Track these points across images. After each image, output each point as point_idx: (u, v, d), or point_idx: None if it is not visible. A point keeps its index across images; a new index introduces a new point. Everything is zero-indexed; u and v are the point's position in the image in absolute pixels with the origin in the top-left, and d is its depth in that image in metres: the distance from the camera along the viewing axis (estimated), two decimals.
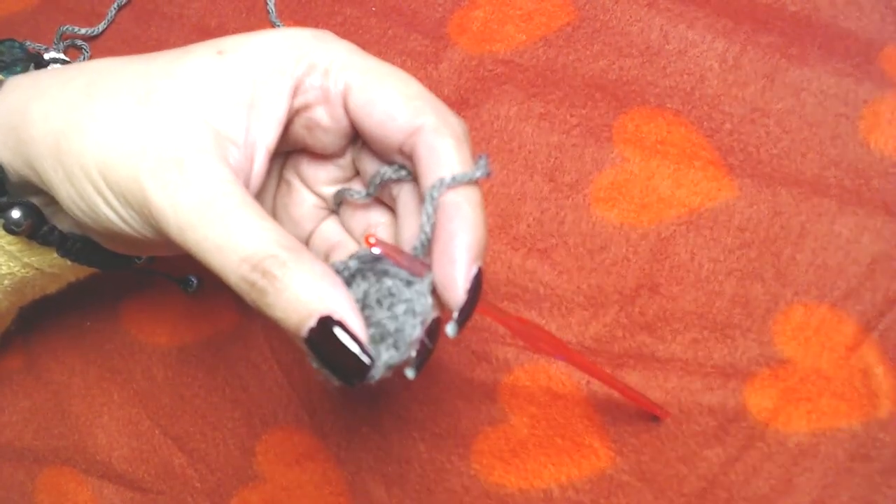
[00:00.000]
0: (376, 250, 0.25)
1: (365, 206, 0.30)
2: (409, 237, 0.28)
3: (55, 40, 0.43)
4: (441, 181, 0.25)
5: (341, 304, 0.23)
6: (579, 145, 0.40)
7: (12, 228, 0.29)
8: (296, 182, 0.31)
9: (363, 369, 0.23)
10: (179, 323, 0.40)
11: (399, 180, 0.28)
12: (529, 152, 0.40)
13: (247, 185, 0.26)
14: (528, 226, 0.39)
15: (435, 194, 0.25)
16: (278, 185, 0.31)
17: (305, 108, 0.27)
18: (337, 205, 0.31)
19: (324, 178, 0.30)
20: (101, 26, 0.45)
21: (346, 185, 0.30)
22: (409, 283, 0.25)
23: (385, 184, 0.28)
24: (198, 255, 0.24)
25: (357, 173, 0.30)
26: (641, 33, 0.41)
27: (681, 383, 0.36)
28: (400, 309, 0.25)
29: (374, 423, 0.37)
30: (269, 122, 0.27)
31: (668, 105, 0.40)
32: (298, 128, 0.28)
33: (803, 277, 0.36)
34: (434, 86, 0.41)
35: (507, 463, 0.36)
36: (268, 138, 0.27)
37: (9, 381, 0.41)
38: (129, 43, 0.45)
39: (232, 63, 0.26)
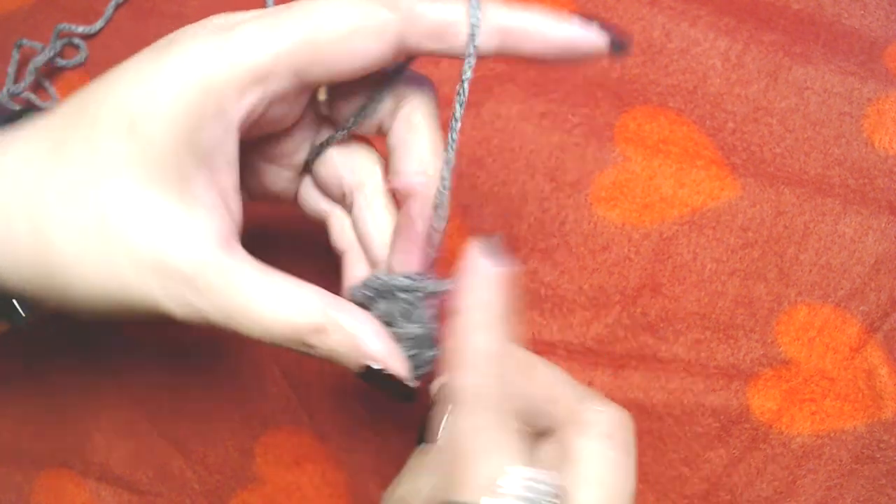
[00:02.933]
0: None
1: (346, 150, 0.29)
2: (423, 153, 0.27)
3: (52, 39, 0.43)
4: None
5: (378, 350, 0.26)
6: (581, 145, 0.39)
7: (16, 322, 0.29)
8: (264, 165, 0.29)
9: (410, 393, 0.27)
10: (178, 324, 0.40)
11: (382, 102, 0.27)
12: (531, 152, 0.39)
13: (236, 222, 0.26)
14: (530, 225, 0.38)
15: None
16: (245, 172, 0.29)
17: (255, 121, 0.25)
18: (314, 159, 0.30)
19: (289, 147, 0.29)
20: (99, 24, 0.44)
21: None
22: (419, 295, 0.27)
23: (366, 117, 0.27)
24: (245, 336, 0.25)
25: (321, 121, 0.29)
26: (643, 32, 0.41)
27: (683, 384, 0.36)
28: (424, 316, 0.28)
29: (373, 424, 0.37)
30: (225, 168, 0.25)
31: (671, 104, 0.39)
32: (250, 132, 0.26)
33: (807, 277, 0.36)
34: (434, 85, 0.41)
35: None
36: (231, 180, 0.26)
37: (6, 382, 0.40)
38: (127, 41, 0.44)
39: (149, 140, 0.23)
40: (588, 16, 0.26)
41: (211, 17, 0.26)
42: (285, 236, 0.37)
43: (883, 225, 0.36)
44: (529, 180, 0.39)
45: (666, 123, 0.39)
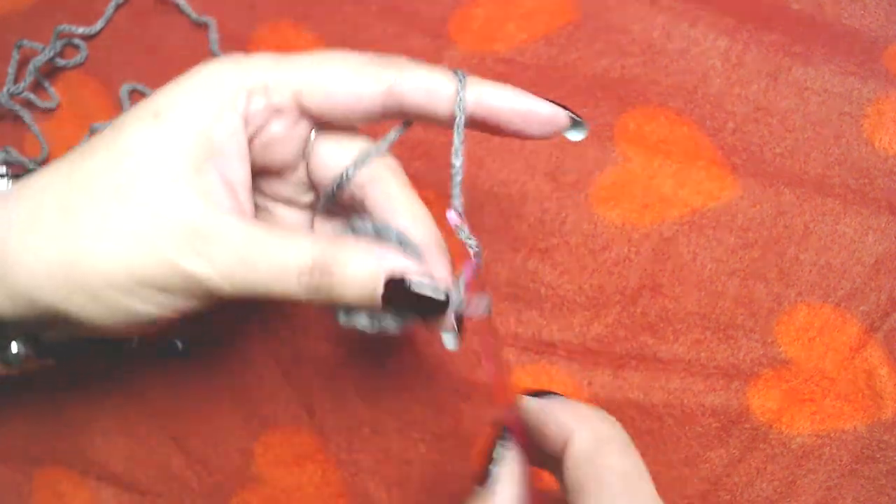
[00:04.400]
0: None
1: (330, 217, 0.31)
2: (395, 225, 0.29)
3: (52, 39, 0.43)
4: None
5: (395, 261, 0.26)
6: (581, 145, 0.39)
7: (11, 361, 0.29)
8: (264, 202, 0.31)
9: (441, 304, 0.26)
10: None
11: (361, 168, 0.29)
12: (531, 152, 0.39)
13: (248, 213, 0.28)
14: (530, 226, 0.38)
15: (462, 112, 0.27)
16: (259, 217, 0.32)
17: (259, 129, 0.28)
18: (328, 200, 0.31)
19: (287, 192, 0.31)
20: (99, 24, 0.44)
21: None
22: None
23: (347, 182, 0.29)
24: (260, 295, 0.26)
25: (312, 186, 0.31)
26: (643, 32, 0.41)
27: (683, 384, 0.35)
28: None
29: (374, 424, 0.37)
30: (237, 162, 0.27)
31: (671, 104, 0.39)
32: (256, 151, 0.29)
33: (807, 277, 0.36)
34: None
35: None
36: (242, 176, 0.28)
37: (6, 382, 0.40)
38: (127, 41, 0.44)
39: (173, 123, 0.27)
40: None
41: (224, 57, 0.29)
42: None
43: (883, 225, 0.36)
44: (529, 180, 0.39)
45: (666, 123, 0.39)
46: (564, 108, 0.29)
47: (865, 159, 0.37)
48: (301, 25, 0.43)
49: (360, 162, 0.29)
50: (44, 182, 0.27)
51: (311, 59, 0.28)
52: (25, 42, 0.43)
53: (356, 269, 0.26)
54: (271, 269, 0.26)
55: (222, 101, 0.27)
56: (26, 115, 0.42)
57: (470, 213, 0.39)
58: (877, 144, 0.38)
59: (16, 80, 0.43)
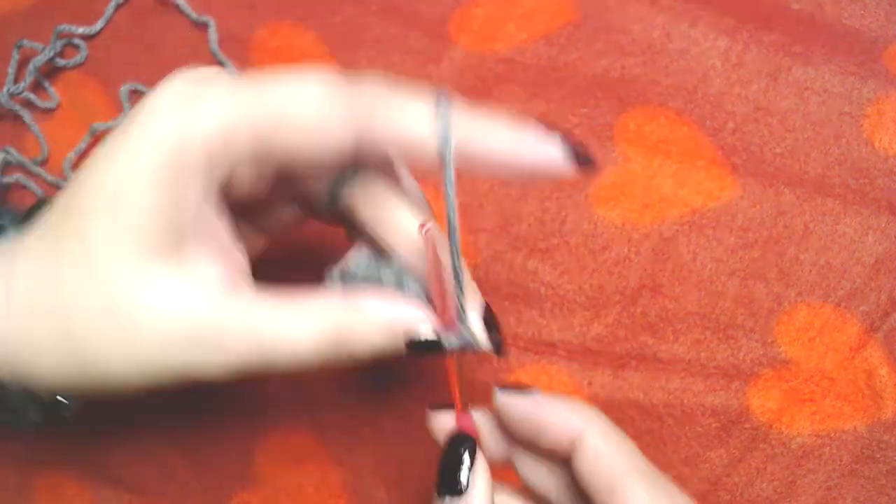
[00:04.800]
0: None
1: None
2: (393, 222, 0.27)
3: (52, 39, 0.43)
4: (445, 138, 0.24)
5: (409, 316, 0.26)
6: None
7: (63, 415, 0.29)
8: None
9: (440, 345, 0.26)
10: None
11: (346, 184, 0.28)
12: None
13: (242, 268, 0.27)
14: (530, 225, 0.38)
15: (449, 153, 0.24)
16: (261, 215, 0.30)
17: (224, 173, 0.25)
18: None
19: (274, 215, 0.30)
20: (99, 24, 0.44)
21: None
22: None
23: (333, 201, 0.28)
24: (269, 372, 0.25)
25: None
26: (643, 32, 0.41)
27: (683, 384, 0.35)
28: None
29: (374, 424, 0.37)
30: (213, 223, 0.26)
31: (671, 104, 0.39)
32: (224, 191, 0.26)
33: (807, 277, 0.36)
34: (435, 85, 0.41)
35: (507, 464, 0.35)
36: (223, 233, 0.26)
37: None
38: (127, 41, 0.44)
39: (136, 216, 0.24)
40: (552, 126, 0.25)
41: (180, 78, 0.26)
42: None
43: (883, 225, 0.36)
44: (529, 180, 0.39)
45: (666, 123, 0.39)
46: (568, 144, 0.25)
47: (865, 159, 0.37)
48: (301, 25, 0.43)
49: (342, 181, 0.28)
50: (29, 296, 0.25)
51: (269, 95, 0.24)
52: (25, 42, 0.43)
53: (373, 337, 0.26)
54: (285, 349, 0.25)
55: (181, 169, 0.24)
56: (26, 115, 0.42)
57: (470, 213, 0.39)
58: (877, 144, 0.38)
59: (16, 80, 0.43)
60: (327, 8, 0.44)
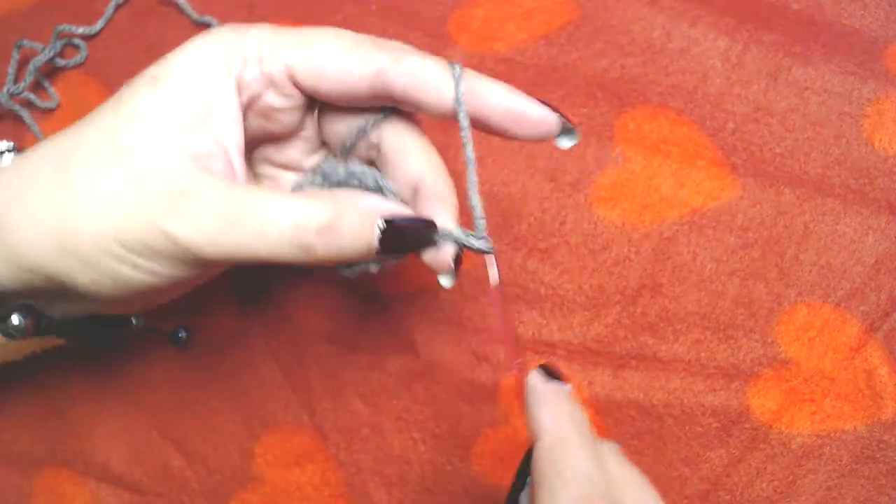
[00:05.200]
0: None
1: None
2: (410, 173, 0.29)
3: (52, 39, 0.43)
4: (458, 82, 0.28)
5: (382, 207, 0.27)
6: (581, 144, 0.39)
7: (11, 334, 0.28)
8: (271, 170, 0.32)
9: (432, 228, 0.28)
10: (178, 323, 0.40)
11: (377, 126, 0.30)
12: (530, 151, 0.39)
13: (239, 177, 0.28)
14: (530, 225, 0.38)
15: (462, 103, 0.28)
16: (256, 183, 0.32)
17: (255, 98, 0.28)
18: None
19: (295, 155, 0.32)
20: (99, 24, 0.44)
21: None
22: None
23: (363, 137, 0.30)
24: (244, 256, 0.26)
25: (322, 142, 0.32)
26: (643, 32, 0.41)
27: (683, 384, 0.35)
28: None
29: (374, 424, 0.37)
30: (229, 125, 0.27)
31: (671, 104, 0.39)
32: (255, 120, 0.29)
33: (807, 277, 0.36)
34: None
35: (507, 465, 0.35)
36: (234, 139, 0.28)
37: (6, 382, 0.40)
38: (127, 41, 0.44)
39: (170, 87, 0.27)
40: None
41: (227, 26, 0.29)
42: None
43: (883, 225, 0.36)
44: (529, 180, 0.39)
45: (666, 123, 0.39)
46: (557, 112, 0.28)
47: (865, 159, 0.37)
48: (301, 25, 0.43)
49: (376, 120, 0.29)
50: (44, 149, 0.27)
51: (307, 34, 0.28)
52: (25, 42, 0.43)
53: (350, 224, 0.26)
54: (258, 229, 0.25)
55: (217, 66, 0.27)
56: (26, 115, 0.42)
57: (469, 213, 0.39)
58: (877, 144, 0.38)
59: (16, 80, 0.43)
60: (327, 8, 0.44)
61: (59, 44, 0.43)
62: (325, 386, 0.38)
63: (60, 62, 0.44)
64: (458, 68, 0.28)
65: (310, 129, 0.31)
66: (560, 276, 0.37)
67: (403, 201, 0.29)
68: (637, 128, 0.39)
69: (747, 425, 0.35)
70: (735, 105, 0.39)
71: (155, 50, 0.44)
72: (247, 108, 0.29)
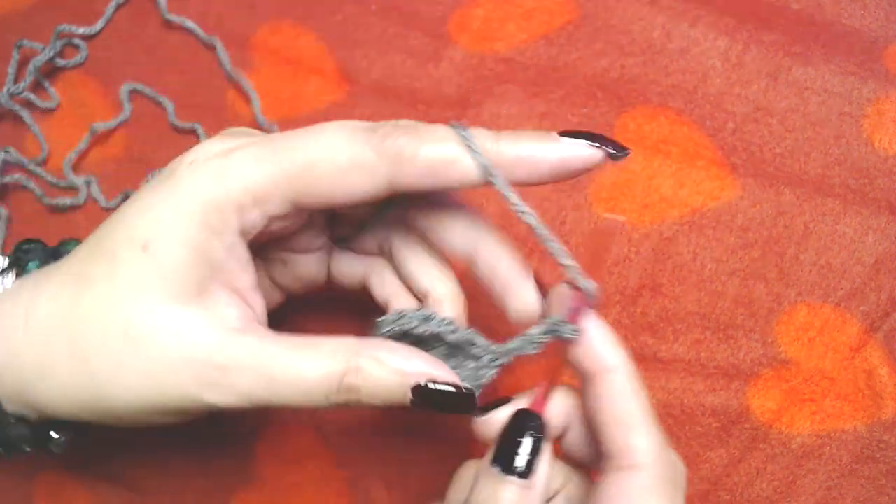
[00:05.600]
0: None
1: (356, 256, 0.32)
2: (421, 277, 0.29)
3: (52, 39, 0.43)
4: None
5: (421, 367, 0.26)
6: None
7: (52, 451, 0.30)
8: (281, 254, 0.31)
9: (469, 399, 0.26)
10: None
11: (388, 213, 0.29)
12: None
13: (259, 316, 0.28)
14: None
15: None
16: (276, 267, 0.32)
17: (259, 230, 0.27)
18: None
19: (304, 241, 0.31)
20: (99, 25, 0.44)
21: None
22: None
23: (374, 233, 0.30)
24: (278, 406, 0.26)
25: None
26: (643, 31, 0.41)
27: (683, 384, 0.35)
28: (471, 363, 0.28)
29: (375, 424, 0.37)
30: (240, 272, 0.27)
31: (671, 104, 0.39)
32: (259, 236, 0.27)
33: (807, 277, 0.36)
34: (434, 85, 0.41)
35: None
36: (248, 281, 0.27)
37: None
38: (127, 42, 0.44)
39: (163, 256, 0.25)
40: (582, 127, 0.27)
41: (208, 142, 0.27)
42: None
43: (883, 225, 0.36)
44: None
45: (666, 123, 0.39)
46: (602, 141, 0.26)
47: (865, 159, 0.37)
48: (301, 25, 0.43)
49: (381, 213, 0.29)
50: (49, 318, 0.27)
51: (299, 153, 0.25)
52: (25, 42, 0.43)
53: (383, 382, 0.25)
54: (294, 387, 0.25)
55: (210, 224, 0.25)
56: (26, 115, 0.42)
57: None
58: (877, 144, 0.38)
59: (16, 80, 0.43)
60: (327, 8, 0.44)
61: (59, 44, 0.43)
62: None
63: (60, 62, 0.44)
64: (466, 133, 0.26)
65: (316, 220, 0.30)
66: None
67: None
68: (637, 128, 0.39)
69: (747, 425, 0.35)
70: (735, 105, 0.39)
71: (155, 50, 0.44)
72: (255, 239, 0.27)
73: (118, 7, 0.45)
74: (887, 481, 0.33)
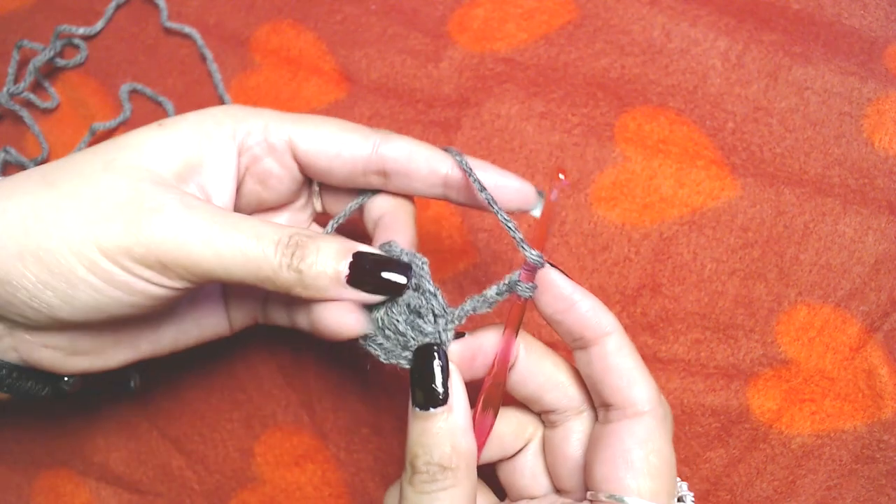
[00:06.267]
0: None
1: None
2: (401, 240, 0.31)
3: (52, 39, 0.43)
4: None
5: (358, 245, 0.28)
6: (580, 144, 0.39)
7: (64, 391, 0.31)
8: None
9: (404, 269, 0.28)
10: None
11: (365, 203, 0.32)
12: (531, 151, 0.39)
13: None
14: (530, 226, 0.38)
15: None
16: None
17: (254, 161, 0.30)
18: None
19: (296, 220, 0.34)
20: (99, 25, 0.44)
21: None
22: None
23: (352, 213, 0.32)
24: (224, 272, 0.26)
25: (312, 213, 0.34)
26: (643, 32, 0.41)
27: (683, 384, 0.35)
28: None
29: (373, 424, 0.37)
30: (223, 179, 0.29)
31: (671, 104, 0.39)
32: (251, 184, 0.31)
33: (807, 277, 0.36)
34: (434, 84, 0.41)
35: None
36: (225, 195, 0.30)
37: None
38: (127, 42, 0.44)
39: (172, 131, 0.29)
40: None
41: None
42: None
43: (883, 225, 0.36)
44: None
45: (666, 123, 0.39)
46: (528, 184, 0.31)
47: (865, 159, 0.37)
48: (301, 25, 0.43)
49: (361, 199, 0.32)
50: (39, 167, 0.29)
51: (309, 117, 0.31)
52: (25, 42, 0.43)
53: (325, 243, 0.27)
54: (245, 240, 0.26)
55: (222, 127, 0.29)
56: (26, 115, 0.42)
57: (469, 213, 0.39)
58: (877, 144, 0.38)
59: (16, 80, 0.43)
60: (327, 8, 0.44)
61: (59, 44, 0.43)
62: (325, 386, 0.38)
63: (60, 62, 0.44)
64: (453, 151, 0.30)
65: (301, 202, 0.33)
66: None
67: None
68: (637, 128, 0.39)
69: (747, 425, 0.35)
70: (735, 105, 0.39)
71: (155, 50, 0.44)
72: (245, 172, 0.30)
73: (118, 7, 0.45)
74: (887, 481, 0.33)
